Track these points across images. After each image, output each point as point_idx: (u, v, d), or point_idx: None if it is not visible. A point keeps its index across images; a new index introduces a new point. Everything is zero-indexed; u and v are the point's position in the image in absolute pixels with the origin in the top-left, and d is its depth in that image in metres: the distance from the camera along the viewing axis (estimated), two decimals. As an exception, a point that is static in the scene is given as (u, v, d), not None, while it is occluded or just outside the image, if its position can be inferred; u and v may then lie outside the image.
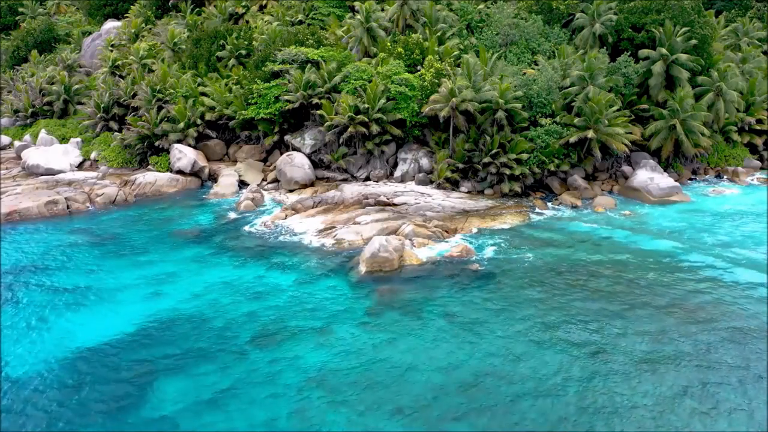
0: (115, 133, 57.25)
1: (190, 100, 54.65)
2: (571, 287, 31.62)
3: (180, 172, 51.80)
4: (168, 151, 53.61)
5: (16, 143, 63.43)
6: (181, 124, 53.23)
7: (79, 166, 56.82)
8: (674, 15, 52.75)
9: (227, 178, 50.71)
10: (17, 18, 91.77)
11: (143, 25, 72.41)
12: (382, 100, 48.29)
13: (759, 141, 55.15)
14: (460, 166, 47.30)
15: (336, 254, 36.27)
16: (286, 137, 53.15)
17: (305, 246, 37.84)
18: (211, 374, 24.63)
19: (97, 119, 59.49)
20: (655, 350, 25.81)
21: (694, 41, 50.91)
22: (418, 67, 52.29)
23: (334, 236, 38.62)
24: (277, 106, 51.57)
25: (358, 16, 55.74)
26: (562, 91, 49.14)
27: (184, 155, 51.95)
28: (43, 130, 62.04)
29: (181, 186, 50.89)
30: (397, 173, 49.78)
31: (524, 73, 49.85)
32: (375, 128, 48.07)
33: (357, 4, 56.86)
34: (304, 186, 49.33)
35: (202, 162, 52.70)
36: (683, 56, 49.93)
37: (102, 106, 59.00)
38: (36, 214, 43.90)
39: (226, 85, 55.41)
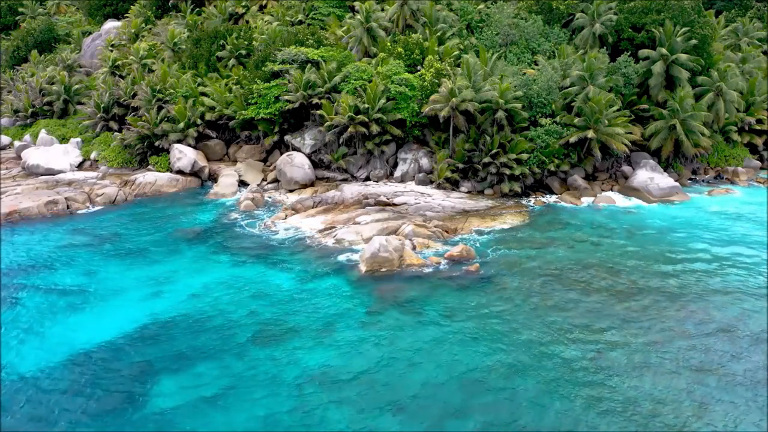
0: (115, 133, 57.24)
1: (190, 100, 54.65)
2: (570, 287, 31.63)
3: (180, 172, 51.80)
4: (168, 151, 53.62)
5: (16, 143, 63.39)
6: (181, 124, 53.22)
7: (79, 166, 56.79)
8: (674, 15, 52.76)
9: (227, 178, 50.71)
10: (17, 18, 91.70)
11: (143, 25, 72.38)
12: (382, 100, 48.30)
13: (759, 141, 55.16)
14: (460, 166, 47.31)
15: (336, 254, 36.26)
16: (286, 137, 53.16)
17: (305, 246, 37.84)
18: (211, 373, 24.64)
19: (97, 119, 59.48)
20: (655, 350, 25.82)
21: (694, 41, 50.92)
22: (418, 67, 52.29)
23: (334, 236, 38.62)
24: (277, 106, 51.57)
25: (358, 16, 55.74)
26: (562, 91, 49.15)
27: (184, 155, 51.96)
28: (43, 130, 62.01)
29: (181, 186, 50.90)
30: (397, 173, 49.78)
31: (524, 73, 49.86)
32: (375, 128, 48.07)
33: (357, 4, 56.86)
34: (304, 186, 49.34)
35: (202, 162, 52.71)
36: (683, 56, 49.94)
37: (102, 106, 59.00)
38: (36, 214, 43.88)
39: (226, 85, 55.40)
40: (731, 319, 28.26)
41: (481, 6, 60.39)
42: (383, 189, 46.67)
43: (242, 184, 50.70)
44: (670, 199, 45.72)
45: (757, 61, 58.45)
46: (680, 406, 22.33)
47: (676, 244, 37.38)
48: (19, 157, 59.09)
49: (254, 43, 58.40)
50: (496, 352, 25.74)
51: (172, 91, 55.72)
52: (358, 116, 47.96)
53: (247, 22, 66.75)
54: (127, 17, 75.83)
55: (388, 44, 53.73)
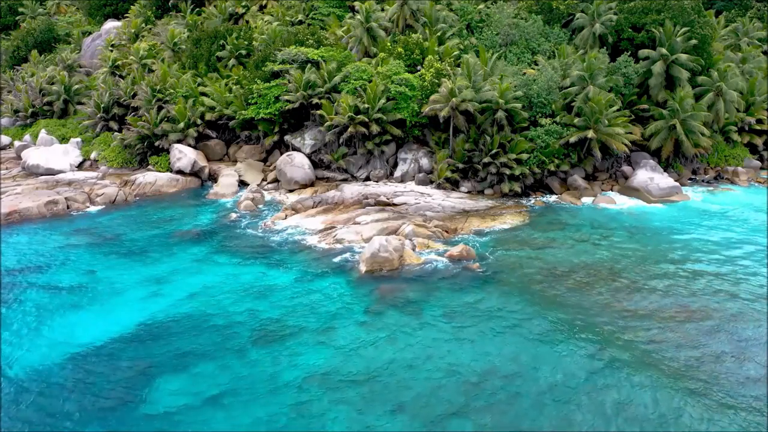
0: (115, 133, 57.24)
1: (190, 100, 54.66)
2: (571, 287, 31.63)
3: (180, 172, 51.80)
4: (168, 151, 53.62)
5: (16, 143, 63.39)
6: (181, 124, 53.23)
7: (79, 166, 56.80)
8: (674, 15, 52.78)
9: (227, 178, 50.71)
10: (17, 18, 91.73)
11: (143, 25, 72.41)
12: (382, 100, 48.31)
13: (759, 141, 55.19)
14: (460, 166, 47.32)
15: (336, 254, 36.25)
16: (286, 137, 53.17)
17: (305, 246, 37.84)
18: (211, 373, 24.63)
19: (97, 119, 59.48)
20: (654, 350, 25.82)
21: (694, 41, 50.94)
22: (418, 67, 52.31)
23: (334, 236, 38.61)
24: (277, 106, 51.58)
25: (358, 16, 55.75)
26: (562, 91, 49.16)
27: (184, 155, 51.96)
28: (43, 130, 62.01)
29: (181, 186, 50.91)
30: (397, 173, 49.79)
31: (524, 73, 49.88)
32: (375, 128, 48.07)
33: (357, 4, 56.89)
34: (304, 186, 49.34)
35: (202, 162, 52.71)
36: (683, 56, 49.96)
37: (102, 106, 59.00)
38: (36, 214, 43.88)
39: (226, 85, 55.42)
40: (731, 319, 28.24)
41: (481, 6, 60.42)
42: (383, 189, 46.67)
43: (242, 184, 50.68)
44: (670, 199, 45.73)
45: (757, 61, 58.47)
46: (681, 408, 22.32)
47: (676, 244, 37.39)
48: (19, 157, 59.10)
49: (254, 43, 58.43)
50: (496, 353, 25.73)
51: (172, 91, 55.73)
52: (358, 116, 47.97)
53: (247, 22, 66.77)
54: (127, 17, 75.86)
55: (388, 44, 53.74)
